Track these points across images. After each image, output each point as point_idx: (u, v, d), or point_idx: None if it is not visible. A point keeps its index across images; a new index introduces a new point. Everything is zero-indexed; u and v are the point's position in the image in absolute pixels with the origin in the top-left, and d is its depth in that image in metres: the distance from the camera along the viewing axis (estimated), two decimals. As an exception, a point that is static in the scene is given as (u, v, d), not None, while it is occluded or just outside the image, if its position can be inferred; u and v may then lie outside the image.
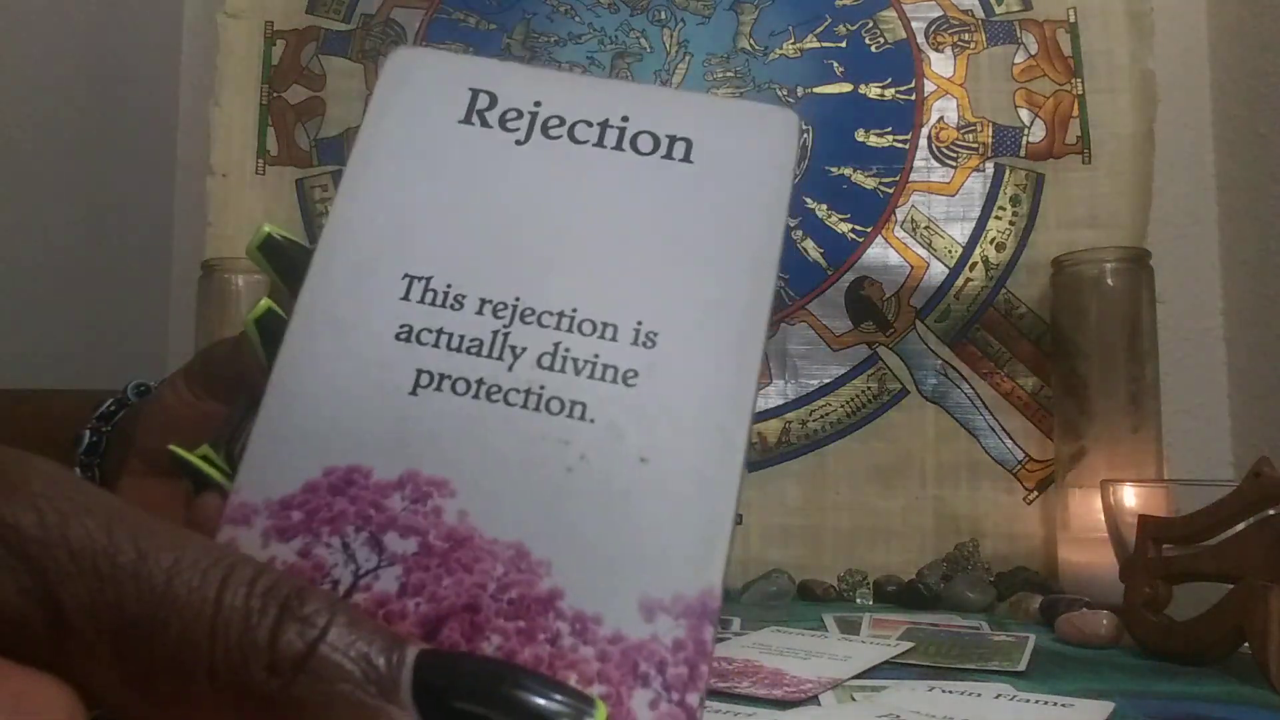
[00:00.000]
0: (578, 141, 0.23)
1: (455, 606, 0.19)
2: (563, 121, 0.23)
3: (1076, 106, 0.82)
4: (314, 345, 0.21)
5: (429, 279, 0.21)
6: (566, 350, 0.21)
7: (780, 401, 0.81)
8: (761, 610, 0.67)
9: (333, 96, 0.88)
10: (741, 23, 0.86)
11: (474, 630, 0.19)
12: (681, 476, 0.20)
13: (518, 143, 0.23)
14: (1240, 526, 0.49)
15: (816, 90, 0.84)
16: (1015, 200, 0.82)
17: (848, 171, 0.83)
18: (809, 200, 0.83)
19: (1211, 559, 0.50)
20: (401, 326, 0.21)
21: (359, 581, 0.19)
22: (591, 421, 0.20)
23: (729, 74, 0.85)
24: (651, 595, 0.19)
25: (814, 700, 0.41)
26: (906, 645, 0.53)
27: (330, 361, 0.21)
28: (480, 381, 0.20)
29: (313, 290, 0.21)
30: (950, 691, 0.42)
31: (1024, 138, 0.82)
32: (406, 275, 0.21)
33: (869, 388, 0.80)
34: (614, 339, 0.21)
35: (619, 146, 0.23)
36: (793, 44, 0.85)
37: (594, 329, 0.21)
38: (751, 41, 0.85)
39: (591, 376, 0.20)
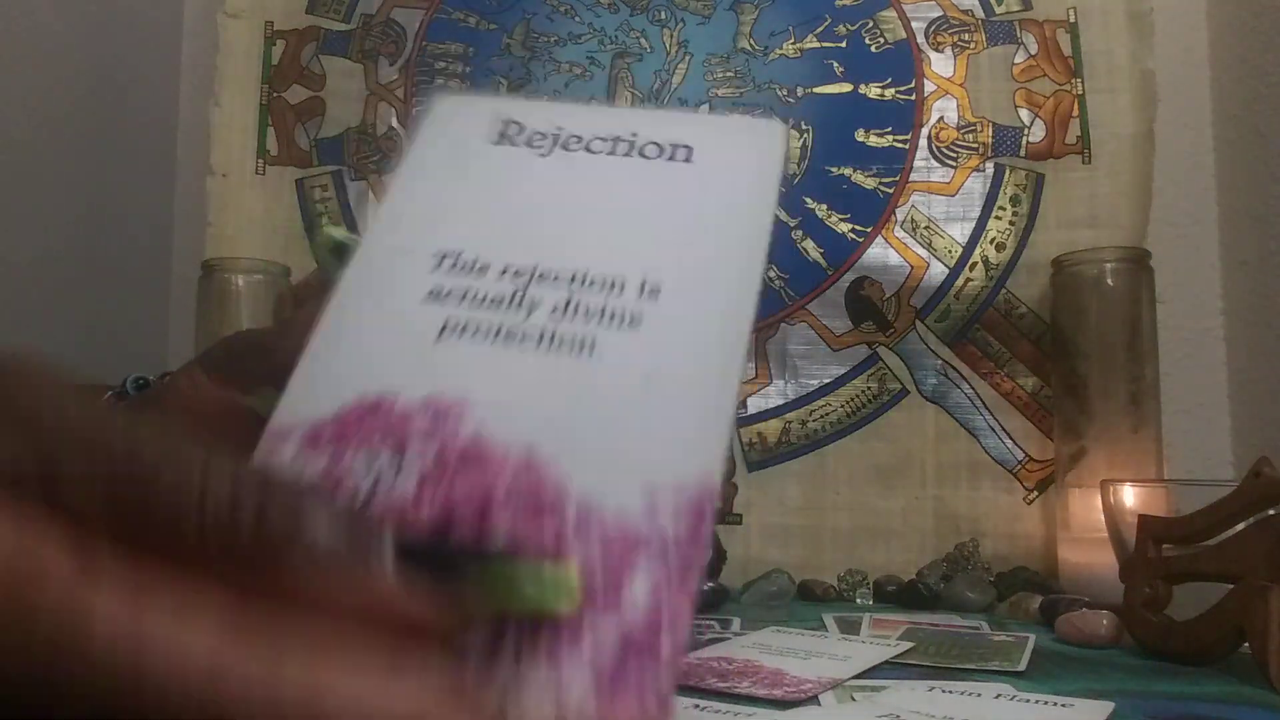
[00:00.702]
0: (593, 152, 0.27)
1: (468, 502, 0.20)
2: (580, 139, 0.27)
3: (1076, 106, 0.82)
4: (354, 305, 0.24)
5: (459, 253, 0.24)
6: (578, 302, 0.23)
7: (780, 401, 0.81)
8: (761, 610, 0.67)
9: (332, 96, 0.88)
10: (741, 23, 0.86)
11: (483, 520, 0.20)
12: (683, 387, 0.22)
13: (541, 155, 0.27)
14: (1240, 526, 0.49)
15: (816, 90, 0.84)
16: (1015, 200, 0.82)
17: (848, 171, 0.83)
18: (809, 200, 0.83)
19: (1211, 559, 0.50)
20: (432, 290, 0.24)
21: (377, 488, 0.21)
22: (600, 355, 0.22)
23: (729, 74, 0.85)
24: (653, 482, 0.20)
25: (814, 700, 0.41)
26: (906, 645, 0.53)
27: (367, 317, 0.24)
28: (500, 327, 0.23)
29: (355, 267, 0.25)
30: (950, 691, 0.42)
31: (1024, 138, 0.82)
32: (439, 252, 0.25)
33: (869, 388, 0.80)
34: (621, 292, 0.23)
35: (629, 154, 0.27)
36: (793, 44, 0.85)
37: (604, 285, 0.24)
38: (751, 41, 0.85)
39: (600, 321, 0.23)
